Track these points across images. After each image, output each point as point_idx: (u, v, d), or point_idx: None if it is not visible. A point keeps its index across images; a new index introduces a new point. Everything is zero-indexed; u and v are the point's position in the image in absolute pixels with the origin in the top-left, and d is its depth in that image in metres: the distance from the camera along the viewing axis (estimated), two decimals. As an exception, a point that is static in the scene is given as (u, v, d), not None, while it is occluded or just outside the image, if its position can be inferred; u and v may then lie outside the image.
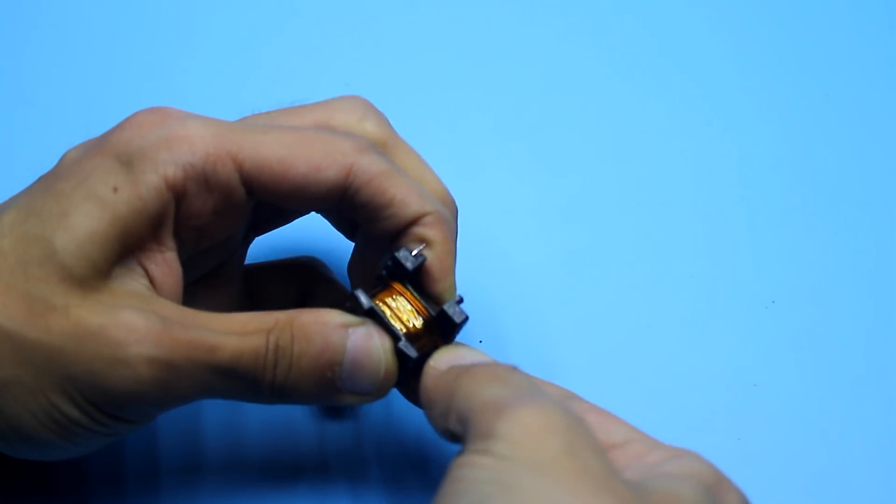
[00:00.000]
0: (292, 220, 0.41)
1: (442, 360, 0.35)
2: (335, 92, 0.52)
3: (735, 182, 0.50)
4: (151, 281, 0.34)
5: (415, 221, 0.36)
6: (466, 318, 0.36)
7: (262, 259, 0.42)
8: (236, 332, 0.33)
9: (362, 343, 0.34)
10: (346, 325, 0.34)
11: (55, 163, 0.36)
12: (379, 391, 0.35)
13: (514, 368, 0.33)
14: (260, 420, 0.41)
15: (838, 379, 0.44)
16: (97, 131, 0.36)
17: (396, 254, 0.35)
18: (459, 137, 0.51)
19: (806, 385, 0.43)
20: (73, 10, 0.54)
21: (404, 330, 0.35)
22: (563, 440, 0.29)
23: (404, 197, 0.35)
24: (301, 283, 0.41)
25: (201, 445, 0.40)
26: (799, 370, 0.44)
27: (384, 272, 0.36)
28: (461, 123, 0.51)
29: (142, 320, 0.32)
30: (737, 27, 0.56)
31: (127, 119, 0.35)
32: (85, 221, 0.32)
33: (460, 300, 0.36)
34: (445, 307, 0.36)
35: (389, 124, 0.38)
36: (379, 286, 0.36)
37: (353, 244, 0.40)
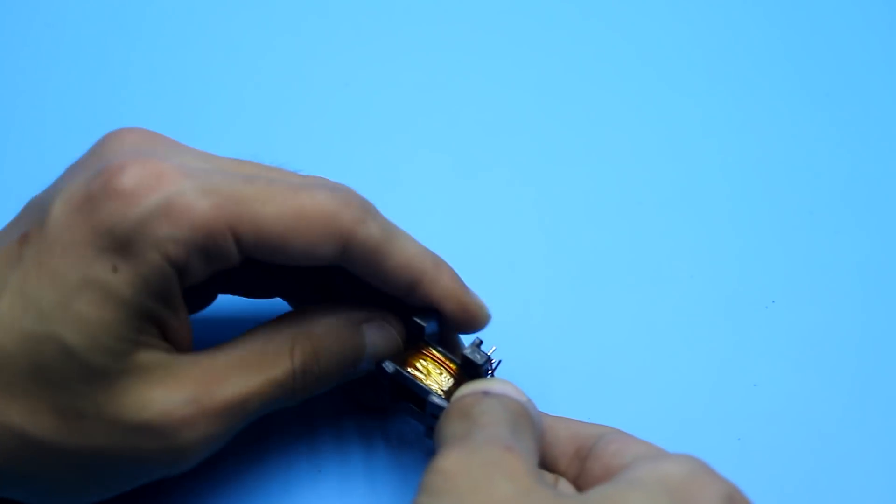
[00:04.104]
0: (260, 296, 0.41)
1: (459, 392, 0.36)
2: (335, 91, 0.52)
3: (735, 182, 0.50)
4: (167, 335, 0.34)
5: (410, 287, 0.36)
6: (489, 359, 0.37)
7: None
8: (256, 366, 0.34)
9: (379, 335, 0.37)
10: (360, 323, 0.36)
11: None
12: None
13: (481, 398, 0.34)
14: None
15: (838, 379, 0.44)
16: (94, 130, 0.35)
17: (424, 326, 0.37)
18: (459, 137, 0.51)
19: (806, 385, 0.43)
20: (66, 14, 0.54)
21: (436, 387, 0.37)
22: (471, 479, 0.31)
23: (395, 268, 0.36)
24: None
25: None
26: (799, 370, 0.44)
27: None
28: (460, 123, 0.51)
29: (174, 405, 0.33)
30: (736, 24, 0.56)
31: (114, 177, 0.32)
32: (91, 311, 0.31)
33: (479, 342, 0.38)
34: (466, 353, 0.37)
35: (379, 215, 0.37)
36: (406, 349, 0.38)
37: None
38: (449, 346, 0.39)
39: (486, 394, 0.35)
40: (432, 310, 0.37)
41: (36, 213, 0.33)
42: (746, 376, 0.43)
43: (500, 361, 0.38)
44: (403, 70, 0.53)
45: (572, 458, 0.36)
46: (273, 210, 0.33)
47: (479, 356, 0.37)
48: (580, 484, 0.35)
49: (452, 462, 0.31)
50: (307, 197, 0.34)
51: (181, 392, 0.33)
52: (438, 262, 0.37)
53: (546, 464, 0.36)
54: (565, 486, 0.35)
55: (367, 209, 0.35)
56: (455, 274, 0.37)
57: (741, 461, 0.41)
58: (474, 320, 0.38)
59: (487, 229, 0.47)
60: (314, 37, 0.54)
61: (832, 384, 0.43)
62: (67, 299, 0.31)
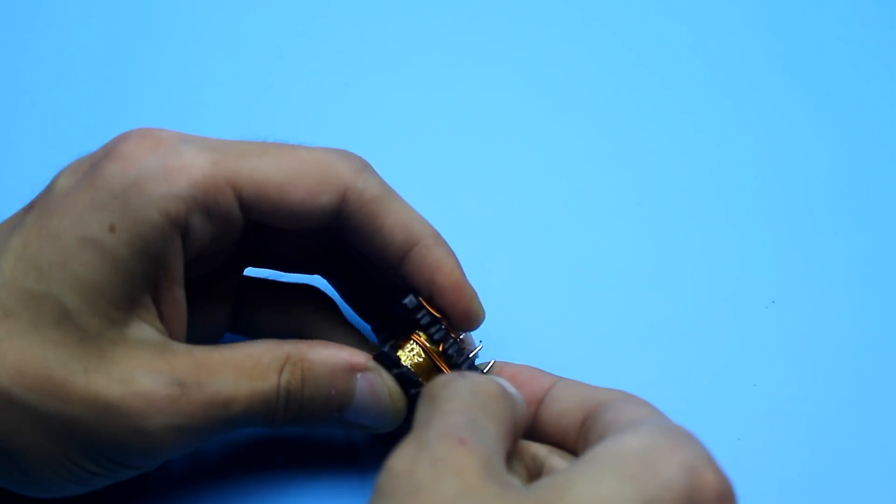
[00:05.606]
0: (293, 271, 0.40)
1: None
2: (335, 91, 0.52)
3: (735, 182, 0.50)
4: (162, 318, 0.34)
5: (406, 249, 0.36)
6: (421, 306, 0.36)
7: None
8: (248, 372, 0.34)
9: (370, 388, 0.36)
10: (355, 369, 0.35)
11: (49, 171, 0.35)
12: (386, 427, 0.37)
13: (452, 380, 0.32)
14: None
15: (838, 379, 0.44)
16: (95, 132, 0.35)
17: (406, 304, 0.36)
18: (458, 137, 0.51)
19: (806, 385, 0.43)
20: (71, 13, 0.54)
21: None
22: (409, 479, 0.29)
23: (393, 225, 0.35)
24: (299, 307, 0.40)
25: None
26: (799, 370, 0.44)
27: (400, 315, 0.36)
28: (460, 123, 0.51)
29: (160, 387, 0.33)
30: (735, 24, 0.56)
31: (116, 145, 0.33)
32: (88, 272, 0.32)
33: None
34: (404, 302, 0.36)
35: (383, 181, 0.37)
36: (395, 335, 0.37)
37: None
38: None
39: (461, 375, 0.33)
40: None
41: (44, 190, 0.34)
42: (746, 376, 0.43)
43: (481, 345, 0.37)
44: (404, 71, 0.53)
45: (580, 428, 0.34)
46: (271, 161, 0.34)
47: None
48: None
49: (401, 460, 0.29)
50: (304, 150, 0.35)
51: (169, 374, 0.33)
52: (439, 236, 0.36)
53: (555, 436, 0.34)
54: (558, 462, 0.33)
55: (366, 165, 0.36)
56: (454, 254, 0.37)
57: (741, 461, 0.41)
58: (467, 308, 0.36)
59: (487, 229, 0.47)
60: (315, 37, 0.54)
61: (832, 384, 0.43)
62: (66, 259, 0.32)
